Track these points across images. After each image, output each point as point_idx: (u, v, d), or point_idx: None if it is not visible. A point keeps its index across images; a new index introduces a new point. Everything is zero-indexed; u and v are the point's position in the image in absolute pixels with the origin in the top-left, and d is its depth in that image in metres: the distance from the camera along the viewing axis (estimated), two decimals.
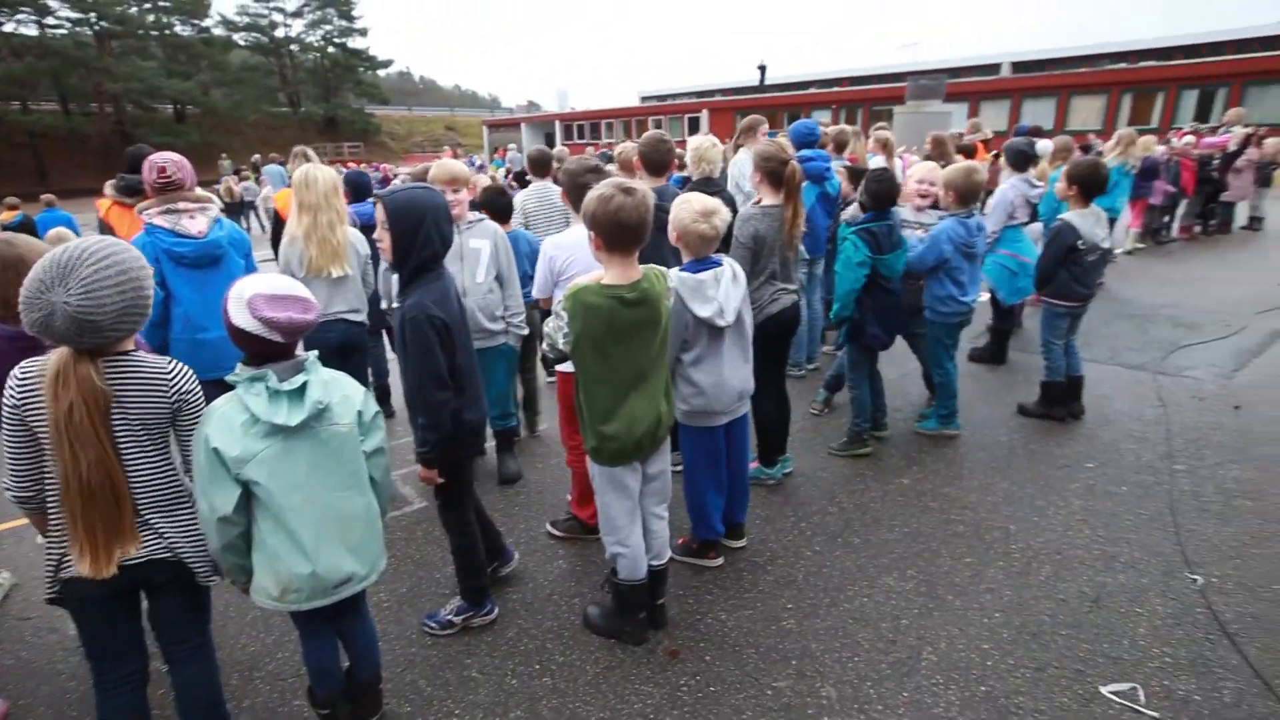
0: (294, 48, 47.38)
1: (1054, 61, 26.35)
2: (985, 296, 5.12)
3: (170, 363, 1.73)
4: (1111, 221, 6.24)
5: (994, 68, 27.18)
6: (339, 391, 1.85)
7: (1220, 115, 14.47)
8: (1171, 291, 6.92)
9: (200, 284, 2.94)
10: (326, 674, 2.06)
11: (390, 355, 4.79)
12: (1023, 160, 5.13)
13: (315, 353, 1.85)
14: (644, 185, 2.18)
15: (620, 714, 2.20)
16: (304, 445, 1.76)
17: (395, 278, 2.31)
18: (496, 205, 3.88)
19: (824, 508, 3.37)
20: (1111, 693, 2.20)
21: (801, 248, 3.96)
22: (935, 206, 4.03)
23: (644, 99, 39.68)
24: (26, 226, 7.97)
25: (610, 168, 4.59)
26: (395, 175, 15.62)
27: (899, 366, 4.73)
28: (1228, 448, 3.76)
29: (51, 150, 33.75)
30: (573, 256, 2.82)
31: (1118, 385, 4.66)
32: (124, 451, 1.65)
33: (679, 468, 2.97)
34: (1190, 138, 9.51)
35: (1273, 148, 9.87)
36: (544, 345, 2.32)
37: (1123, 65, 21.56)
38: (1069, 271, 3.93)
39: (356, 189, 4.77)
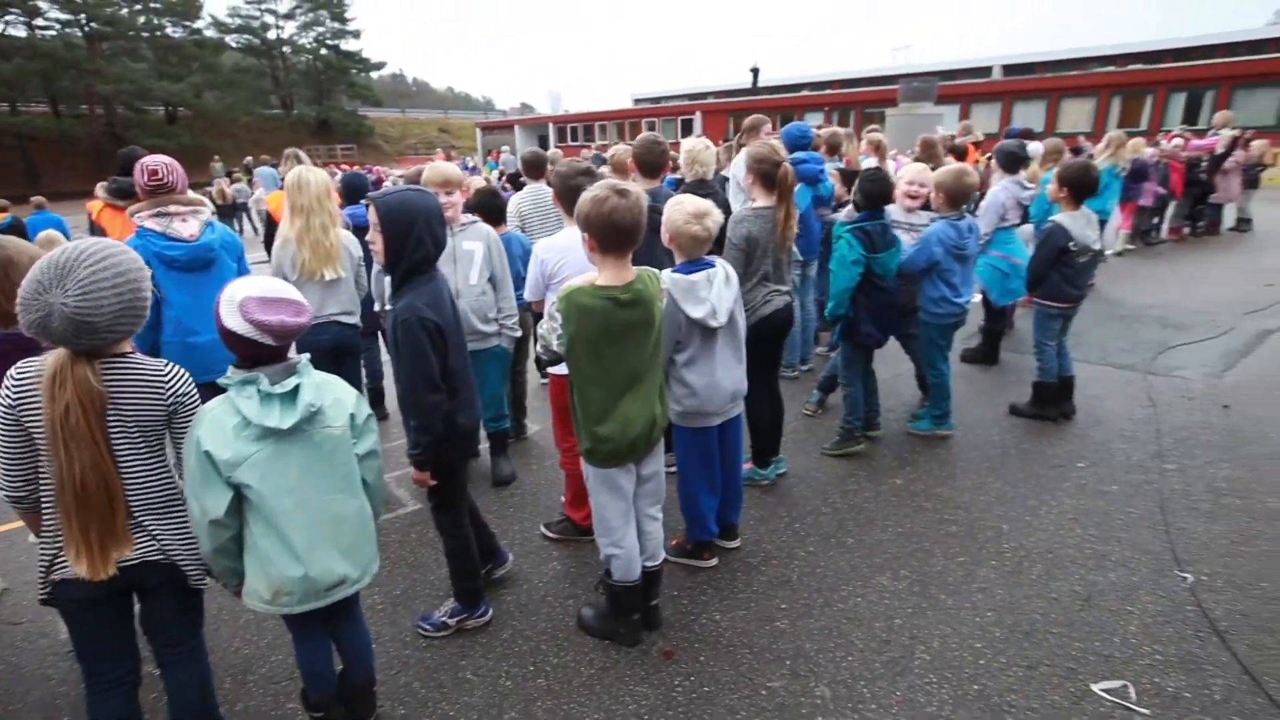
0: (286, 50, 47.17)
1: (1044, 64, 26.56)
2: (978, 298, 5.15)
3: (167, 365, 1.73)
4: (1102, 223, 6.28)
5: (985, 70, 27.37)
6: (331, 394, 1.85)
7: (1208, 118, 14.62)
8: (1161, 292, 6.98)
9: (192, 287, 2.93)
10: (320, 677, 2.05)
11: (385, 357, 4.77)
12: (1014, 162, 5.17)
13: (307, 355, 1.85)
14: (638, 187, 2.19)
15: (615, 715, 2.20)
16: (296, 448, 1.76)
17: (388, 280, 2.31)
18: (489, 207, 3.89)
19: (818, 508, 3.38)
20: (1103, 690, 2.22)
21: (794, 249, 3.98)
22: (926, 208, 4.06)
23: (637, 101, 39.74)
24: (16, 229, 7.90)
25: (603, 170, 4.59)
26: (387, 178, 15.58)
27: (892, 367, 4.75)
28: (1217, 447, 3.79)
29: (41, 152, 33.49)
30: (564, 259, 2.83)
31: (1108, 385, 4.70)
32: (119, 453, 1.64)
33: (673, 469, 2.98)
34: (1179, 140, 9.60)
35: (1259, 150, 9.98)
36: (538, 347, 2.33)
37: (1112, 68, 21.74)
38: (1060, 273, 3.96)
39: (353, 191, 4.76)
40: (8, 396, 1.58)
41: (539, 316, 2.72)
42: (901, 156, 8.68)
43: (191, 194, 3.09)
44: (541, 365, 3.88)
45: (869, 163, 5.80)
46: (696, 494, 2.80)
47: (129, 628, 1.82)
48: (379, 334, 4.54)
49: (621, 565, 2.40)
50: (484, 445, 3.86)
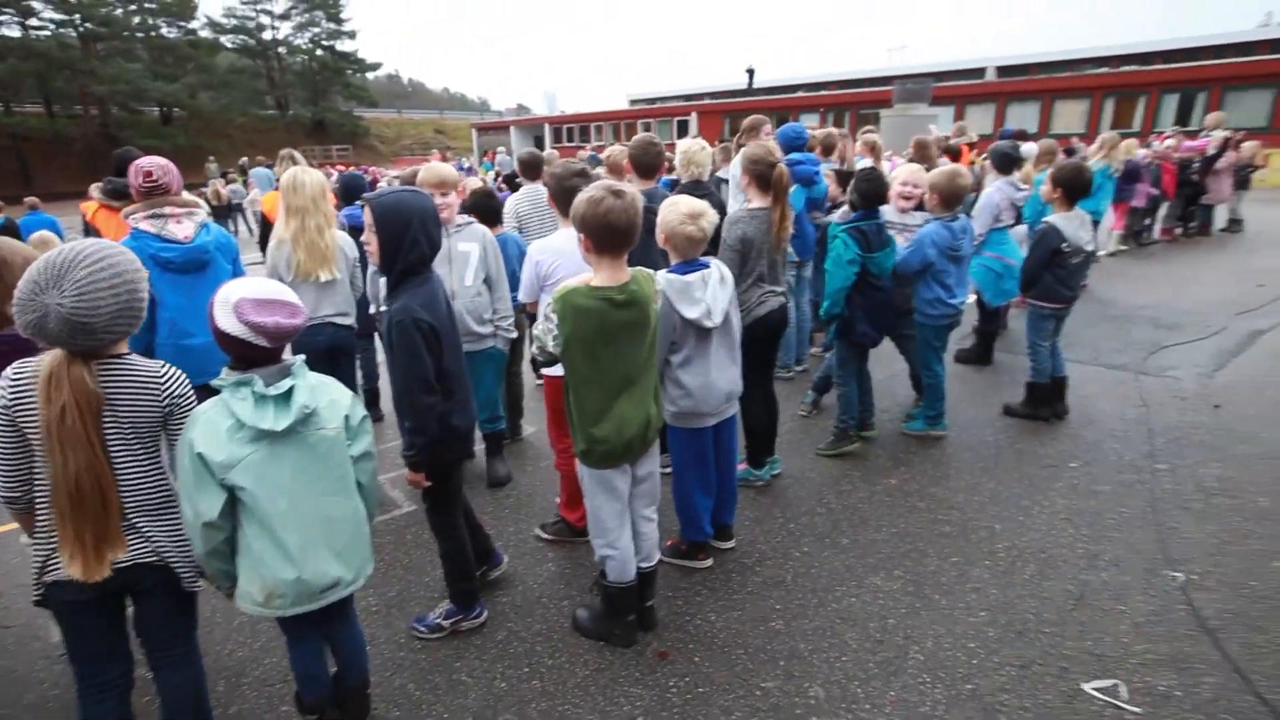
0: (282, 50, 47.03)
1: (1038, 66, 26.68)
2: (972, 298, 5.17)
3: (163, 367, 1.73)
4: (1095, 224, 6.33)
5: (979, 72, 27.47)
6: (326, 396, 1.85)
7: (1200, 119, 14.71)
8: (1153, 293, 7.02)
9: (187, 289, 2.92)
10: (314, 679, 2.05)
11: (381, 358, 4.77)
12: (1008, 163, 5.20)
13: (302, 357, 1.85)
14: (633, 188, 2.19)
15: (610, 716, 2.21)
16: (290, 450, 1.76)
17: (383, 281, 2.31)
18: (485, 208, 3.89)
19: (812, 509, 3.39)
20: (1094, 689, 2.23)
21: (790, 250, 3.99)
22: (920, 209, 4.07)
23: (633, 102, 39.74)
24: (10, 229, 7.87)
25: (598, 171, 4.60)
26: (382, 178, 15.55)
27: (886, 367, 4.77)
28: (1208, 446, 3.81)
29: (35, 153, 33.31)
30: (558, 261, 2.83)
31: (1101, 385, 4.72)
32: (114, 455, 1.64)
33: (668, 470, 2.98)
34: (1171, 141, 9.66)
35: (1249, 151, 10.05)
36: (533, 348, 2.33)
37: (1105, 70, 21.86)
38: (1054, 274, 3.98)
39: (351, 192, 4.75)
40: (3, 397, 1.58)
41: (534, 318, 2.73)
42: (897, 158, 8.71)
43: (187, 195, 3.09)
44: (537, 366, 3.88)
45: (864, 164, 5.83)
46: (691, 495, 2.81)
47: (122, 630, 1.82)
48: (375, 335, 4.54)
49: (616, 566, 2.41)
50: (480, 446, 3.86)
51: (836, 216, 4.00)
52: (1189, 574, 2.77)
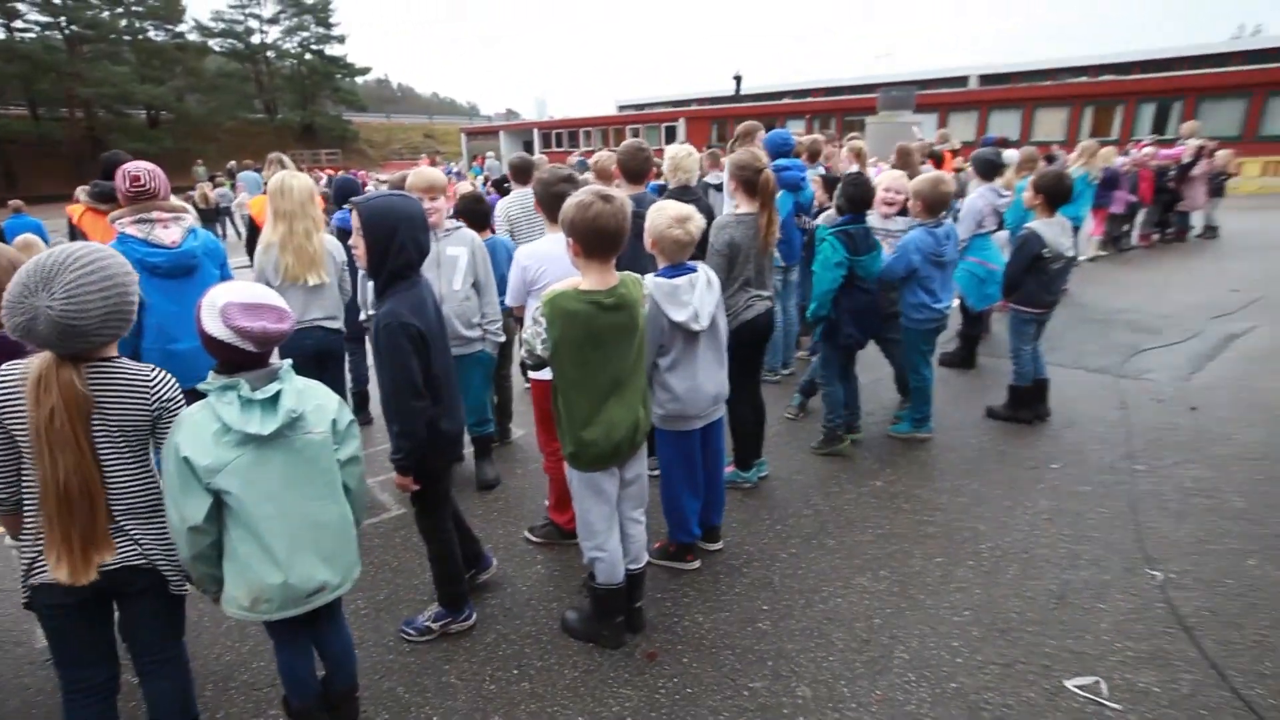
0: (271, 54, 46.74)
1: (1019, 75, 27.06)
2: (956, 303, 5.24)
3: (153, 370, 1.73)
4: (1075, 230, 6.45)
5: (962, 80, 27.81)
6: (313, 400, 1.85)
7: (1176, 128, 14.98)
8: (1132, 297, 7.14)
9: (174, 294, 2.91)
10: (302, 683, 2.04)
11: (370, 362, 4.76)
12: (990, 170, 5.28)
13: (289, 361, 1.85)
14: (622, 193, 2.22)
15: (599, 717, 2.22)
16: (277, 454, 1.76)
17: (372, 285, 2.32)
18: (474, 213, 3.90)
19: (799, 510, 3.42)
20: (1076, 686, 2.27)
21: (776, 255, 4.04)
22: (903, 214, 4.13)
23: (621, 108, 39.85)
24: None
25: (586, 176, 4.63)
26: (369, 183, 15.50)
27: (872, 371, 4.82)
28: (1185, 448, 3.89)
29: (20, 156, 32.85)
30: (545, 266, 2.85)
31: (1081, 388, 4.80)
32: (103, 457, 1.64)
33: (656, 472, 3.00)
34: (1149, 149, 9.85)
35: (1222, 160, 10.26)
36: (522, 352, 2.35)
37: (1084, 79, 22.22)
38: (1035, 279, 4.05)
39: (344, 195, 4.74)
40: None
41: (522, 321, 2.74)
42: (882, 164, 8.82)
43: (174, 200, 3.08)
44: (525, 370, 3.88)
45: (850, 170, 5.90)
46: (679, 497, 2.83)
47: (108, 634, 1.81)
48: (365, 338, 4.53)
49: (605, 568, 2.42)
50: (468, 449, 3.86)
51: (822, 219, 4.05)
52: (1167, 573, 2.83)
